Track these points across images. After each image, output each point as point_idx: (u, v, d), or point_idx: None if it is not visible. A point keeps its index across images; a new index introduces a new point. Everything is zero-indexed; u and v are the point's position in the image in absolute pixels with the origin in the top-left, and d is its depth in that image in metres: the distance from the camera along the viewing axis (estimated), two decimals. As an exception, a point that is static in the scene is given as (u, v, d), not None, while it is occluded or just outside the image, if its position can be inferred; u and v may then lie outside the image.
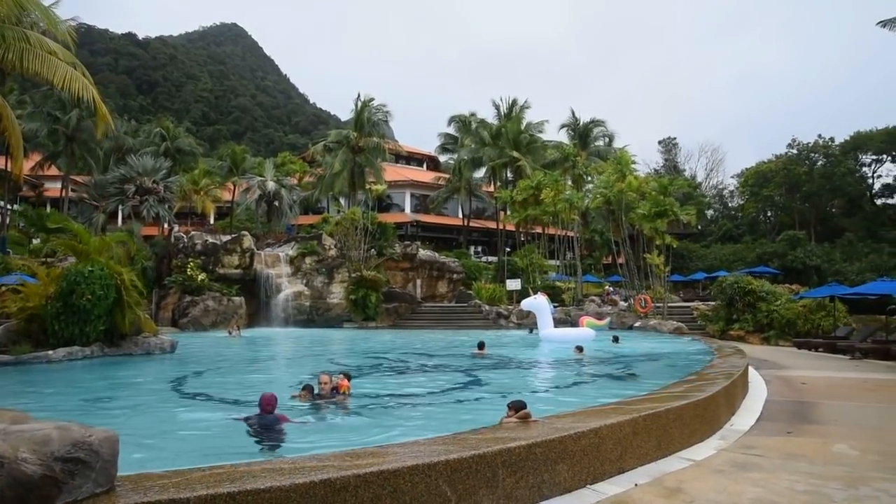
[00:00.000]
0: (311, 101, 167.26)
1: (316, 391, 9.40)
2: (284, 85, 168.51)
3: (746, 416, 9.23)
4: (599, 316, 29.36)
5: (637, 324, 29.97)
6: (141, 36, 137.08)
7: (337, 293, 33.84)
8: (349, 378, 10.03)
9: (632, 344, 21.43)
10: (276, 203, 41.58)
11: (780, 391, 11.86)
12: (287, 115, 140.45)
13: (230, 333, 25.71)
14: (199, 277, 30.71)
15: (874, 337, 21.40)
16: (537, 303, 23.20)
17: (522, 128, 47.63)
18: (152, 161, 38.29)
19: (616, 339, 21.39)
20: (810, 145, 57.13)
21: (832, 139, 56.90)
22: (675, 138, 72.93)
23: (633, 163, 38.81)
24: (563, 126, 52.34)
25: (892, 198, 58.37)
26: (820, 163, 56.02)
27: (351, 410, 8.99)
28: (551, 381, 13.37)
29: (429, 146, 62.09)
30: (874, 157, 56.88)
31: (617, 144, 51.51)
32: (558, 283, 37.69)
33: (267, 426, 7.34)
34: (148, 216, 36.59)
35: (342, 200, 49.69)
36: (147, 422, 8.45)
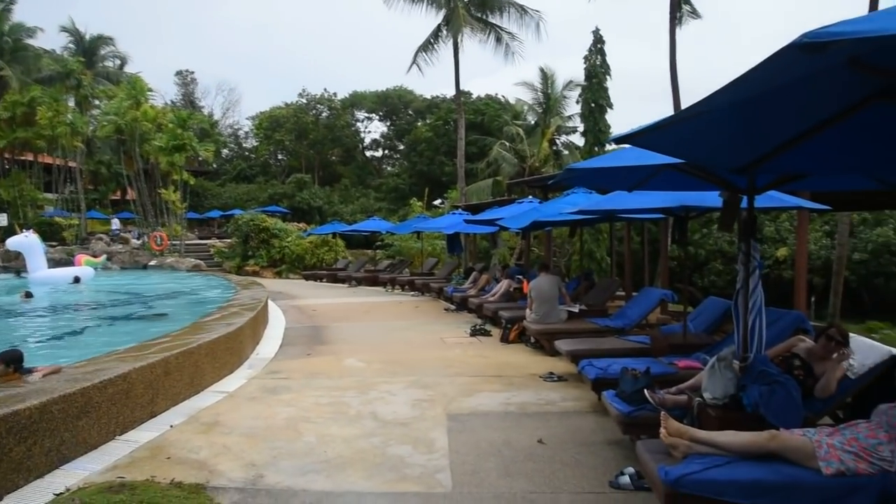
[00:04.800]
0: None
1: None
2: None
3: (270, 344, 9.72)
4: (109, 255, 26.96)
5: (153, 262, 28.51)
6: None
7: None
8: None
9: (151, 282, 20.30)
10: None
11: (296, 318, 12.86)
12: None
13: None
14: None
15: (365, 267, 25.07)
16: (27, 242, 19.97)
17: (7, 29, 38.83)
18: None
19: (28, 295, 15.67)
20: (317, 97, 62.49)
21: (335, 94, 63.33)
22: (192, 72, 70.20)
23: (150, 90, 35.96)
24: (63, 32, 44.46)
25: (377, 151, 68.71)
26: (325, 114, 61.81)
27: None
28: (60, 329, 11.65)
29: None
30: (367, 115, 65.69)
31: (130, 69, 46.79)
32: (58, 220, 32.94)
33: None
34: None
35: None
36: None
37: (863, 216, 20.24)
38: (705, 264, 21.93)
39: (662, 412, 3.71)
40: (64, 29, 44.26)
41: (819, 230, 20.16)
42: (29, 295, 15.40)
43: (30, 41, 41.22)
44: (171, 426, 5.28)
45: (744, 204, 4.22)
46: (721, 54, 78.19)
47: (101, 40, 46.02)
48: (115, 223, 36.06)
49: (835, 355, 4.19)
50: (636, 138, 2.99)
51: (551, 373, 7.30)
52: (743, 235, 4.23)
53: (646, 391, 4.50)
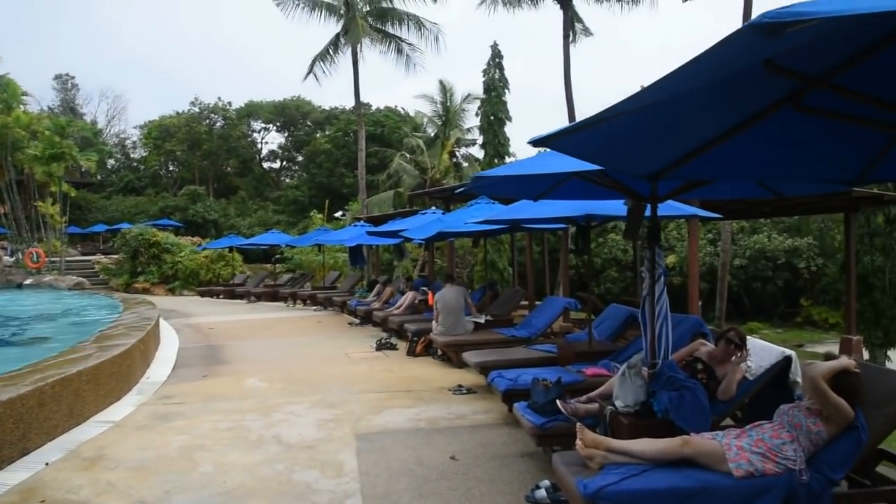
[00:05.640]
0: None
1: None
2: None
3: (162, 366, 9.09)
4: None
5: (28, 281, 26.24)
6: None
7: None
8: None
9: (27, 303, 18.67)
10: None
11: (190, 338, 12.15)
12: None
13: None
14: None
15: (265, 282, 24.22)
16: None
17: None
18: None
19: None
20: (211, 106, 60.13)
21: (230, 103, 61.12)
22: (73, 76, 65.63)
23: (24, 94, 33.26)
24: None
25: (275, 163, 66.90)
26: (219, 124, 59.53)
27: None
28: None
29: None
30: (263, 125, 63.83)
31: (-2, 71, 43.14)
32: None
33: None
34: None
35: None
36: None
37: (741, 224, 21.67)
38: (601, 272, 22.73)
39: (578, 423, 3.68)
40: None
41: (704, 238, 21.37)
42: None
43: None
44: (47, 464, 4.75)
45: (647, 212, 4.29)
46: (615, 70, 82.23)
47: (-35, 40, 42.26)
48: None
49: (734, 358, 4.32)
50: (554, 140, 2.94)
51: (460, 385, 7.21)
52: (648, 242, 4.29)
53: (558, 402, 4.48)
